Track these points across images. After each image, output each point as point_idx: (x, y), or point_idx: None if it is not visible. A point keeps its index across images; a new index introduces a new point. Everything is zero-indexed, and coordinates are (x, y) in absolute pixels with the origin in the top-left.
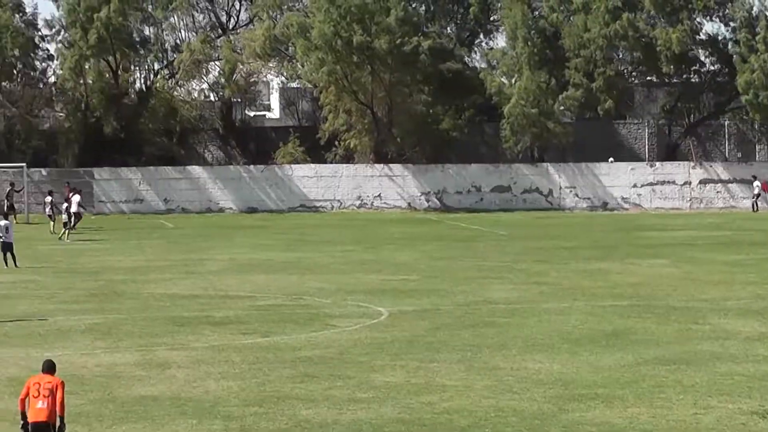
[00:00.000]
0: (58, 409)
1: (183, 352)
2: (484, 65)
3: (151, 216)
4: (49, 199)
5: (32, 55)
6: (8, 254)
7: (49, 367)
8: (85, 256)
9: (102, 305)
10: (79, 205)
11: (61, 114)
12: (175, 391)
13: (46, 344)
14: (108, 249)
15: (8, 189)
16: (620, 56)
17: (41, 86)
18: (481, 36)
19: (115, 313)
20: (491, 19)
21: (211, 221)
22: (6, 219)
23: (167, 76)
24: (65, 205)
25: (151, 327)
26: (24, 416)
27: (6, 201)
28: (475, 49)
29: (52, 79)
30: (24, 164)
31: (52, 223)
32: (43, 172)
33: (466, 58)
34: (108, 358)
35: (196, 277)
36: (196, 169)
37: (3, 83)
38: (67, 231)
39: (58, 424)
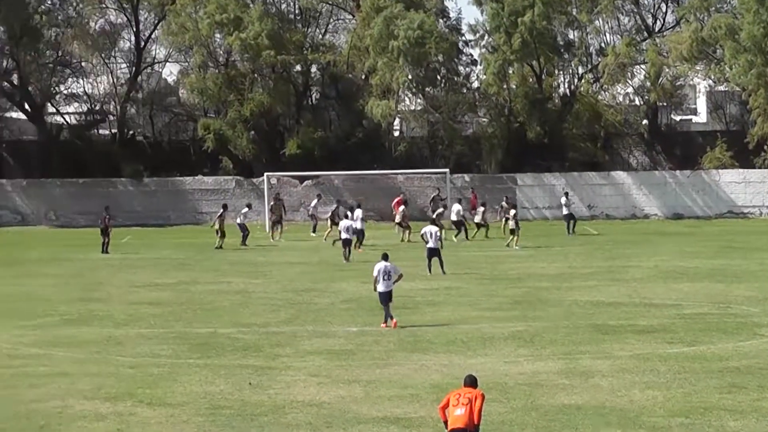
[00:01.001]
0: (475, 417)
1: (607, 361)
2: None
3: None
4: (481, 209)
5: (456, 60)
6: (433, 260)
7: (471, 382)
8: (508, 263)
9: (525, 312)
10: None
11: (485, 119)
12: (599, 401)
13: (469, 351)
14: (531, 256)
15: (433, 195)
16: None
17: (464, 91)
18: None
19: (538, 321)
20: None
21: (636, 227)
22: (434, 225)
23: (591, 80)
24: (514, 210)
25: (574, 335)
26: (447, 425)
27: (432, 207)
28: None
29: (476, 84)
30: (447, 170)
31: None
32: (466, 177)
33: None
34: (530, 366)
35: (620, 285)
36: (620, 175)
37: (427, 89)
38: (514, 238)
39: None
